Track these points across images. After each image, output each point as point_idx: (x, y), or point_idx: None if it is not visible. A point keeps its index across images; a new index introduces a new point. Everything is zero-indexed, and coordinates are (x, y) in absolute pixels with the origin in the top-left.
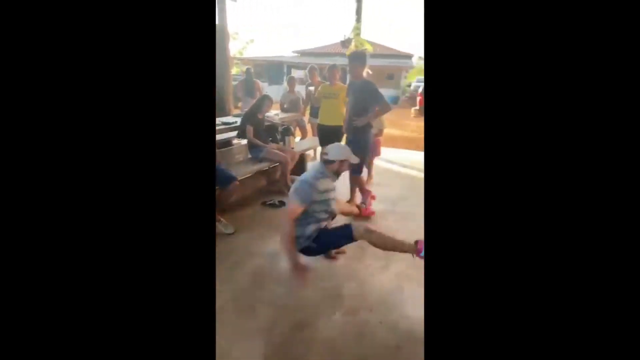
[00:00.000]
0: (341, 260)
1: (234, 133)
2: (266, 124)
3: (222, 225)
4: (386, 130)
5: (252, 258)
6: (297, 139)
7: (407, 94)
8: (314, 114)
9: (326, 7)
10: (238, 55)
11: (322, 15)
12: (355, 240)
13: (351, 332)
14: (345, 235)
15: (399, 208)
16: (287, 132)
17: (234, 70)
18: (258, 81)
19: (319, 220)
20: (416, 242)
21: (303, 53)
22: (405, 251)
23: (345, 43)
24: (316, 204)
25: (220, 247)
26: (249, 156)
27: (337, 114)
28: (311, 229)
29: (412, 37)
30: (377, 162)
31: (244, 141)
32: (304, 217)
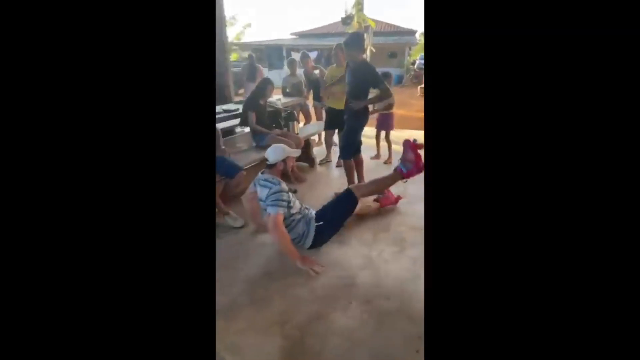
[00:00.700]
0: (353, 247)
1: (237, 121)
2: (269, 109)
3: (231, 219)
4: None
5: (263, 249)
6: (301, 124)
7: (411, 72)
8: (317, 97)
9: None
10: (235, 41)
11: None
12: (358, 201)
13: (369, 322)
14: (350, 201)
15: (408, 190)
16: (291, 117)
17: (233, 57)
18: (260, 66)
19: (304, 216)
20: (396, 169)
21: (302, 35)
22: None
23: (347, 20)
24: (290, 206)
25: (230, 240)
26: (253, 144)
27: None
28: (301, 226)
29: (414, 11)
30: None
31: (247, 129)
32: (288, 223)
